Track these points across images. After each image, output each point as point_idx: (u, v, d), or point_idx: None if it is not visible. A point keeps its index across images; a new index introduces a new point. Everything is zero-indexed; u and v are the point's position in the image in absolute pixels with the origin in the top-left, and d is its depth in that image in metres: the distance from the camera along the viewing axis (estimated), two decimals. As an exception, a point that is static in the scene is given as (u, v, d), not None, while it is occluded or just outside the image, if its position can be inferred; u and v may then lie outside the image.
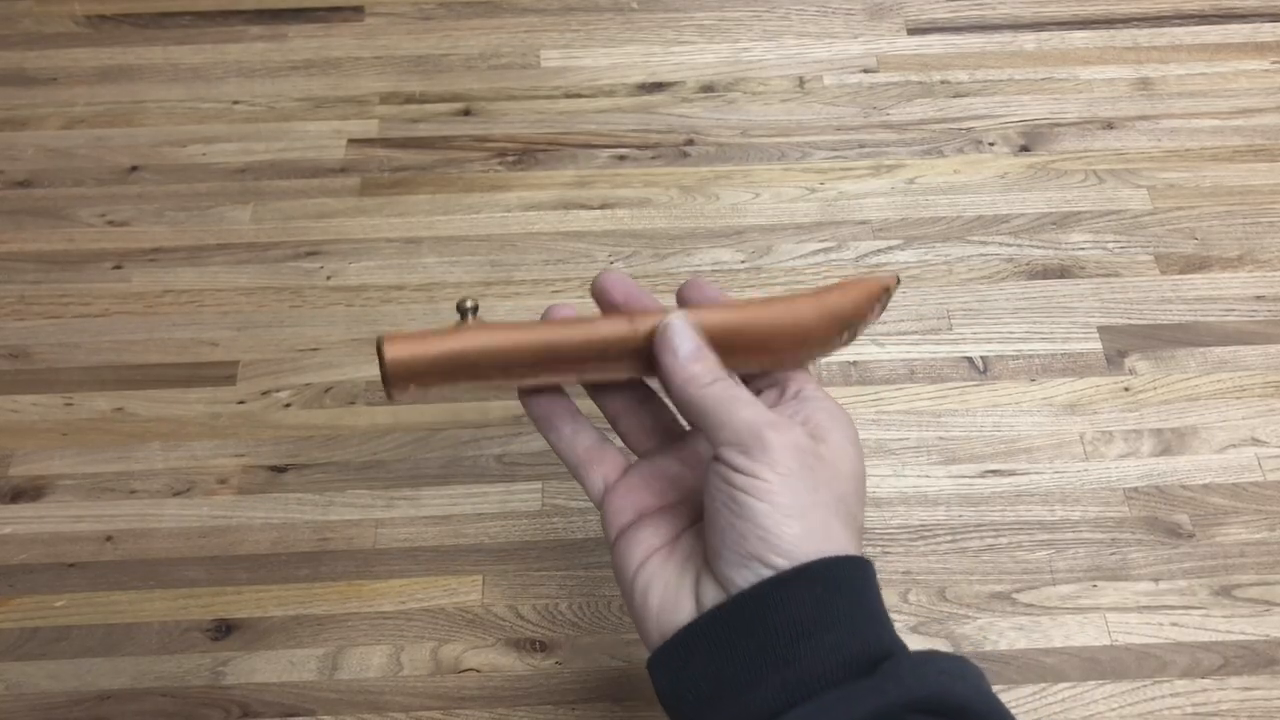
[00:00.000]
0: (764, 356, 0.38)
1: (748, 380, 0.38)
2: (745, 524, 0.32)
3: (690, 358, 0.35)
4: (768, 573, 0.32)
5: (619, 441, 0.40)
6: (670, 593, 0.34)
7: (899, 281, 0.40)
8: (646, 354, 0.37)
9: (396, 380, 0.36)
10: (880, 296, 0.39)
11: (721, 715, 0.32)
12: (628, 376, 0.38)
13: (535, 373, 0.37)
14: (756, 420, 0.33)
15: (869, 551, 0.50)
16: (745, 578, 0.33)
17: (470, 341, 0.36)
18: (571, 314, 0.38)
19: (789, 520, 0.32)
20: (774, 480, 0.32)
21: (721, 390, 0.34)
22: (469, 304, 0.37)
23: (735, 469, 0.33)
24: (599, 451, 0.39)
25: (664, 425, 0.40)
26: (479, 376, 0.37)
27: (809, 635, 0.32)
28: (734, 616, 0.32)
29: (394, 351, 0.36)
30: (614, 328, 0.37)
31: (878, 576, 0.34)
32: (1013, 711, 0.45)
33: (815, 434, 0.35)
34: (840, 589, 0.32)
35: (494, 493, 0.52)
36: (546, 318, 0.38)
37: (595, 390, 0.40)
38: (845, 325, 0.38)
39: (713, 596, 0.33)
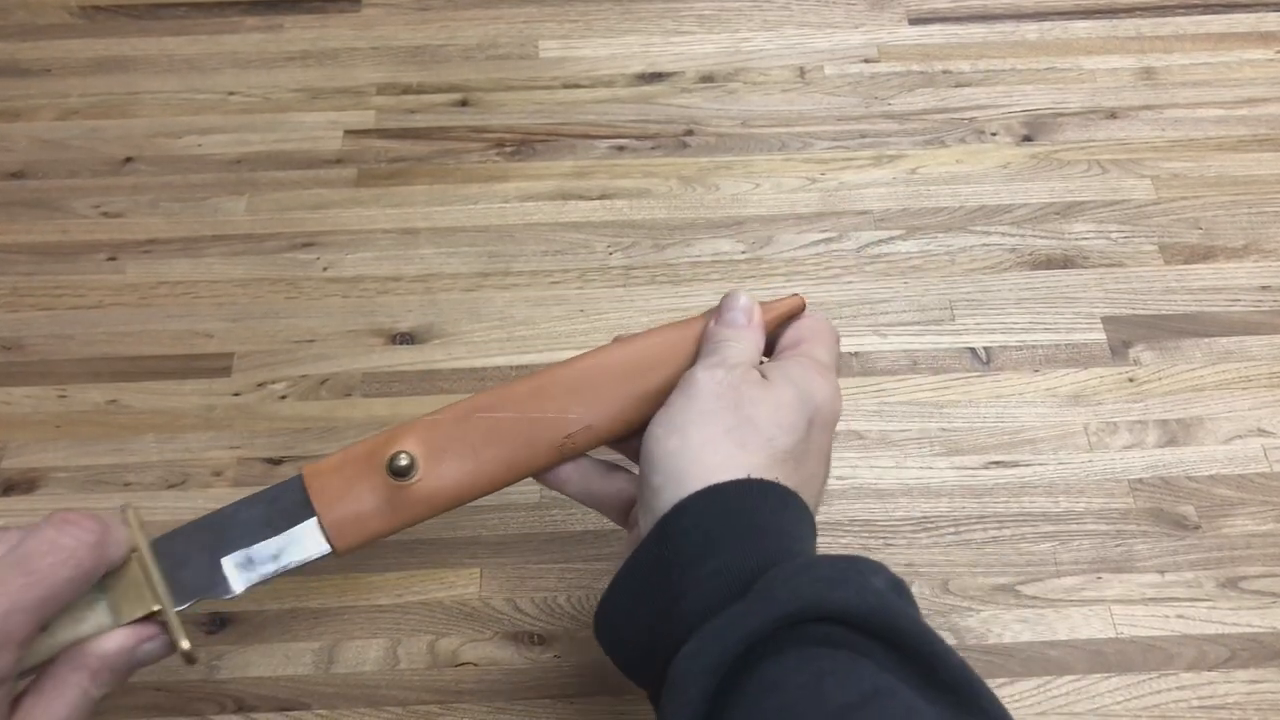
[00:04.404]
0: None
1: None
2: (642, 459, 0.34)
3: None
4: (650, 496, 0.33)
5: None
6: None
7: (805, 306, 0.41)
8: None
9: (345, 553, 0.38)
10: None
11: (655, 667, 0.32)
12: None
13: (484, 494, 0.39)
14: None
15: (872, 545, 0.49)
16: (643, 511, 0.33)
17: (416, 512, 0.38)
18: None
19: (669, 437, 0.34)
20: (668, 404, 0.34)
21: None
22: (404, 460, 0.37)
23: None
24: (609, 479, 0.39)
25: None
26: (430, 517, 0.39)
27: (695, 564, 0.31)
28: (639, 563, 0.33)
29: (343, 542, 0.37)
30: (546, 455, 0.38)
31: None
32: (1015, 707, 0.45)
33: (764, 374, 0.36)
34: (726, 513, 0.32)
35: (492, 485, 0.51)
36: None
37: None
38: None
39: None
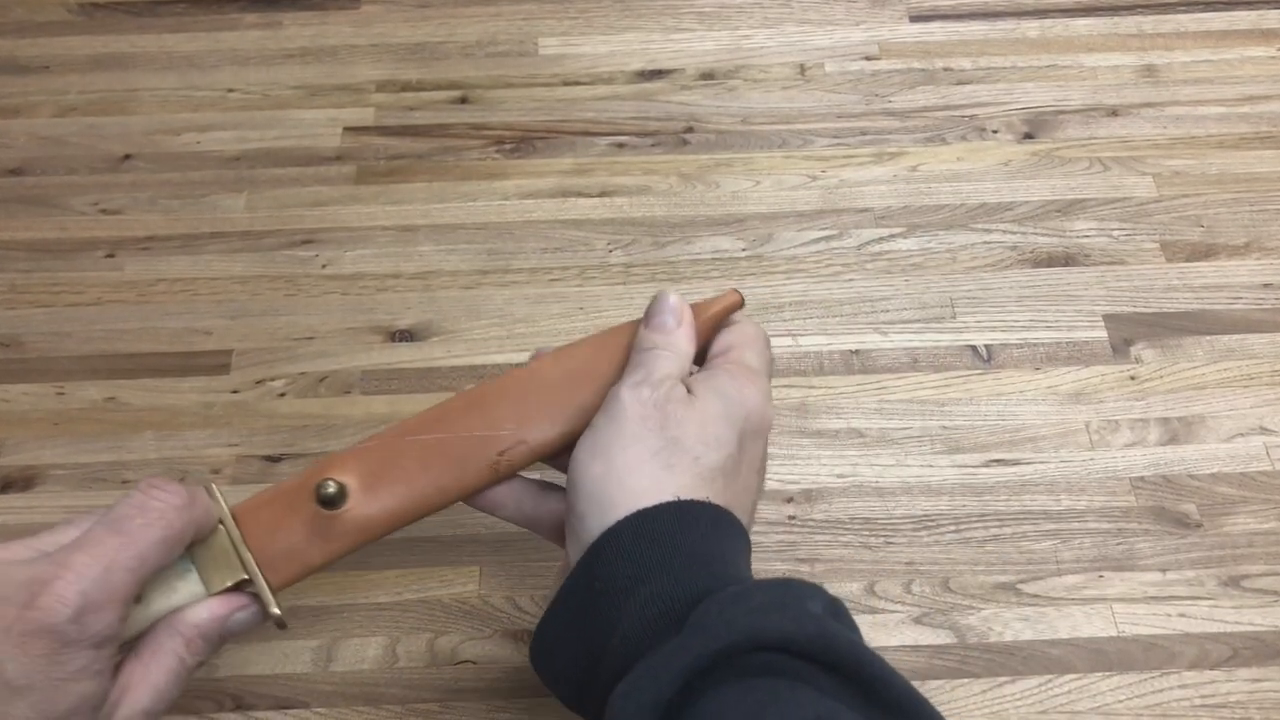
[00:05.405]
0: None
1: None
2: (569, 485, 0.34)
3: None
4: (576, 524, 0.33)
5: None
6: None
7: (743, 302, 0.40)
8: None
9: (282, 588, 0.37)
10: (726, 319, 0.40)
11: (596, 699, 0.31)
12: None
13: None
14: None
15: (872, 543, 0.49)
16: (570, 539, 0.33)
17: (349, 541, 0.37)
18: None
19: (593, 461, 0.33)
20: (592, 426, 0.34)
21: None
22: (331, 489, 0.36)
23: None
24: (544, 499, 0.38)
25: None
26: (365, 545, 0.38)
27: (625, 594, 0.31)
28: (569, 594, 0.32)
29: (277, 578, 0.37)
30: (479, 474, 0.38)
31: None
32: (1017, 706, 0.45)
33: (690, 388, 0.36)
34: (654, 539, 0.31)
35: (491, 483, 0.51)
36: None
37: None
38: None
39: None
